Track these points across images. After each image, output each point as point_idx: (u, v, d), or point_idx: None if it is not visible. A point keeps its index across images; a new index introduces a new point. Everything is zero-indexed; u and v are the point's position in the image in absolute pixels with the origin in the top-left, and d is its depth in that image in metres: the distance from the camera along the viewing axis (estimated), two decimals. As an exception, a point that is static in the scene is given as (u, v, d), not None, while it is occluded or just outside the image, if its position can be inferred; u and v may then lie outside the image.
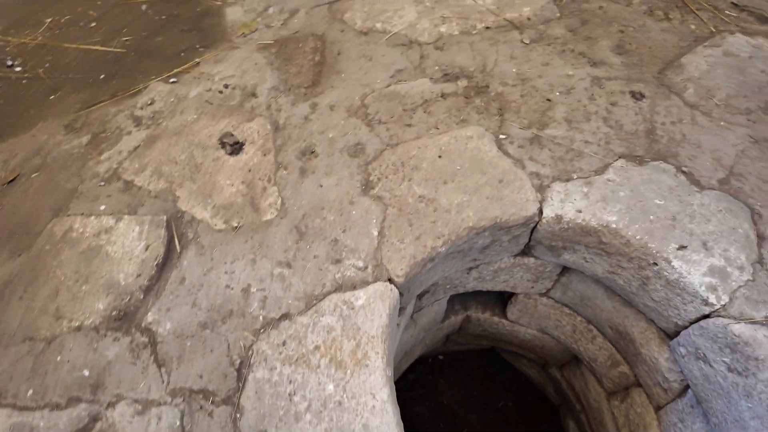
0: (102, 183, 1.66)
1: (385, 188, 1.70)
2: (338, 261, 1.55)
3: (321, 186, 1.73)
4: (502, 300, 2.80)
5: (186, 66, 2.08)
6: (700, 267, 1.51)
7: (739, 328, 1.41)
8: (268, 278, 1.52)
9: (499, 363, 3.76)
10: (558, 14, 2.29)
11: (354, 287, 1.50)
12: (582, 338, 2.40)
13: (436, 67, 2.10)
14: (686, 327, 1.61)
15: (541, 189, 1.69)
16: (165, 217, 1.58)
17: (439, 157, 1.78)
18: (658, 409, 1.99)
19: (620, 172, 1.73)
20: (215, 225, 1.62)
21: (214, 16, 2.33)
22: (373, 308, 1.45)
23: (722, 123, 1.90)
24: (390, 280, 1.53)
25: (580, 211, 1.64)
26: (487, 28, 2.24)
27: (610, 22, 2.26)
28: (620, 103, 1.95)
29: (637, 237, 1.58)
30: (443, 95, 2.00)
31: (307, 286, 1.50)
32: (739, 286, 1.47)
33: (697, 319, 1.54)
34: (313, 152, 1.83)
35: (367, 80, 2.06)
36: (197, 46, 2.20)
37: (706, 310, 1.49)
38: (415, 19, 2.26)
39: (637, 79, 2.05)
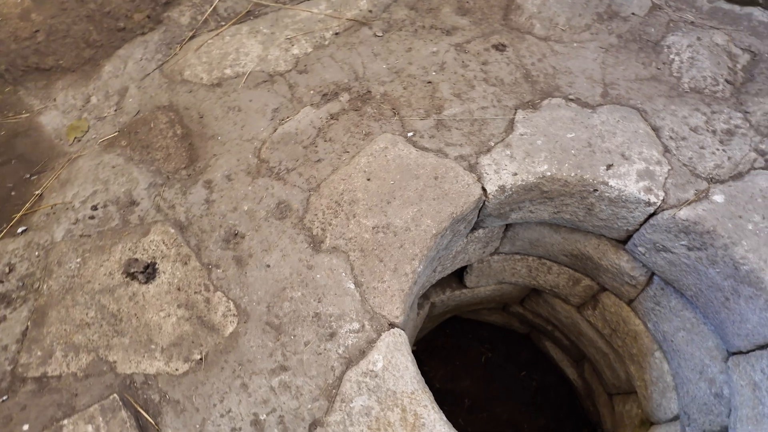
0: (4, 398, 1.26)
1: (335, 236, 1.57)
2: (332, 335, 1.40)
3: (268, 266, 1.53)
4: (456, 273, 2.86)
5: (27, 206, 1.66)
6: (630, 176, 1.66)
7: (683, 213, 1.59)
8: (272, 395, 1.31)
9: (464, 325, 3.88)
10: (392, -3, 2.29)
11: (363, 353, 1.37)
12: (539, 274, 2.55)
13: (311, 92, 1.97)
14: (637, 230, 1.78)
15: (472, 168, 1.70)
16: (115, 395, 1.27)
17: (368, 180, 1.68)
18: (630, 302, 2.21)
19: (526, 123, 1.81)
20: (176, 370, 1.35)
21: (28, 133, 1.88)
22: (396, 364, 1.35)
23: (575, 45, 2.09)
24: (392, 325, 1.43)
25: (515, 174, 1.69)
26: (337, 34, 2.15)
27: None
28: (490, 60, 2.03)
29: (572, 174, 1.68)
30: (333, 117, 1.88)
31: (317, 379, 1.33)
32: (666, 179, 1.66)
33: (646, 220, 1.71)
34: (237, 234, 1.61)
35: (249, 133, 1.85)
36: (27, 176, 1.77)
37: (651, 209, 1.66)
38: (261, 51, 2.08)
39: (490, 32, 2.15)
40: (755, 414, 1.52)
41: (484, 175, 1.69)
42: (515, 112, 1.85)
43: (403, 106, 1.90)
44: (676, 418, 2.07)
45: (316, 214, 1.63)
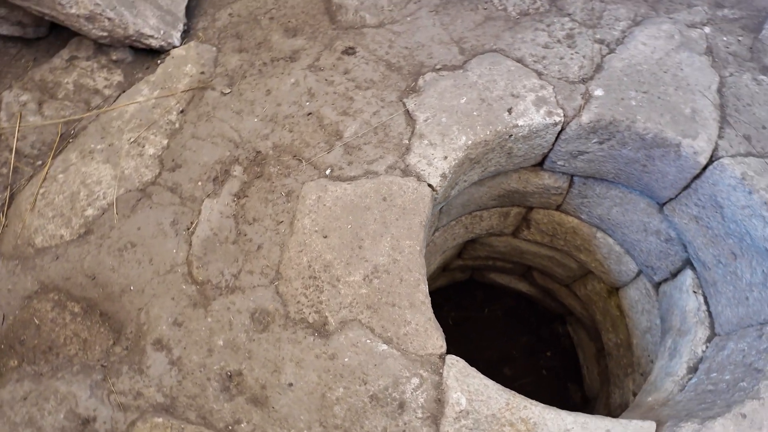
0: None
1: (333, 310, 1.42)
2: (401, 405, 1.29)
3: (290, 385, 1.34)
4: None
5: None
6: (530, 110, 1.79)
7: (585, 117, 1.78)
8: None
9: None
10: (215, 48, 2.07)
11: (441, 401, 1.30)
12: (474, 226, 2.68)
13: (199, 183, 1.71)
14: (551, 149, 1.95)
15: (407, 172, 1.68)
16: None
17: (325, 237, 1.55)
18: (558, 207, 2.45)
19: (421, 108, 1.82)
20: None
21: None
22: (476, 388, 1.30)
23: (409, 19, 2.15)
24: (442, 357, 1.37)
25: (445, 157, 1.70)
26: (182, 111, 1.89)
27: (254, 19, 2.17)
28: (349, 67, 1.99)
29: (487, 132, 1.76)
30: (240, 196, 1.67)
31: (420, 453, 1.23)
32: (555, 97, 1.83)
33: (557, 138, 1.89)
34: (231, 376, 1.36)
35: (163, 264, 1.55)
36: None
37: (558, 128, 1.82)
38: (113, 170, 1.73)
39: (330, 40, 2.09)
40: (708, 238, 1.83)
41: (421, 172, 1.67)
42: (404, 104, 1.86)
43: (302, 149, 1.77)
44: (638, 274, 2.41)
45: (298, 301, 1.45)
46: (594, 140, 1.85)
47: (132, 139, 1.79)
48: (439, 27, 2.10)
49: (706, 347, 1.77)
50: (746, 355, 1.50)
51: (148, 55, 2.03)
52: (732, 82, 1.85)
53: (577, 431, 1.25)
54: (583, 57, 1.94)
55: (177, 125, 1.84)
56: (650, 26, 2.02)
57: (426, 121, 1.79)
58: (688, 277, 2.00)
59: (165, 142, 1.79)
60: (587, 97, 1.82)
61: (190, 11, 2.17)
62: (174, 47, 2.01)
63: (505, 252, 3.23)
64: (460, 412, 1.27)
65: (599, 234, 2.46)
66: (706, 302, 1.88)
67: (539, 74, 1.89)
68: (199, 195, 1.69)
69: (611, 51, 1.95)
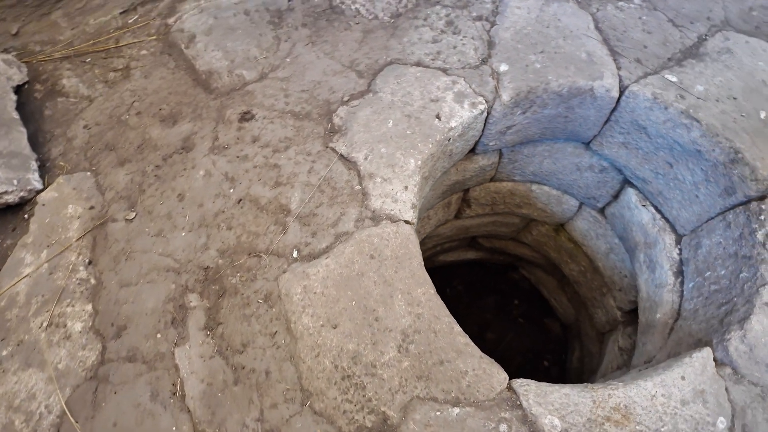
0: None
1: (389, 401, 1.28)
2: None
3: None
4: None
5: None
6: (455, 108, 1.77)
7: (505, 96, 1.80)
8: None
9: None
10: (90, 173, 1.71)
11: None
12: (421, 225, 2.65)
13: (157, 335, 1.42)
14: (481, 134, 1.96)
15: (378, 216, 1.56)
16: None
17: (335, 327, 1.38)
18: (492, 179, 2.51)
19: (353, 147, 1.70)
20: None
21: None
22: (557, 405, 1.27)
23: (289, 59, 1.98)
24: (510, 387, 1.31)
25: (406, 187, 1.61)
26: (90, 262, 1.53)
27: (119, 121, 1.83)
28: (256, 133, 1.77)
29: (429, 145, 1.70)
30: (213, 324, 1.42)
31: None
32: (470, 87, 1.82)
33: (485, 124, 1.89)
34: None
35: (168, 449, 1.26)
36: None
37: (485, 114, 1.83)
38: (40, 371, 1.35)
39: (216, 112, 1.84)
40: (641, 157, 1.99)
41: (391, 212, 1.56)
42: (334, 149, 1.71)
43: (254, 243, 1.55)
44: (580, 206, 2.58)
45: (344, 410, 1.28)
46: (518, 113, 1.89)
47: (45, 324, 1.41)
48: (325, 57, 1.96)
49: (679, 249, 1.95)
50: (726, 247, 1.67)
51: (9, 214, 1.61)
52: (601, 16, 2.01)
53: (660, 391, 1.28)
54: (473, 39, 1.95)
55: (93, 281, 1.50)
56: (511, -11, 2.10)
57: (367, 158, 1.67)
58: (631, 195, 2.18)
59: (89, 307, 1.45)
60: (496, 76, 1.85)
61: (35, 141, 1.76)
62: (38, 192, 1.62)
63: (451, 234, 3.26)
64: (560, 432, 1.23)
65: (534, 187, 2.57)
66: (659, 211, 2.06)
67: (444, 71, 1.87)
68: (166, 349, 1.40)
69: (493, 24, 2.00)
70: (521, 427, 1.25)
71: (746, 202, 1.65)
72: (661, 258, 2.03)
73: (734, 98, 1.76)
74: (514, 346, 3.93)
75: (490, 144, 2.04)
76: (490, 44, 1.93)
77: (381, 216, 1.56)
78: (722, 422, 1.27)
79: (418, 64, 1.90)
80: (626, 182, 2.20)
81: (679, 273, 1.93)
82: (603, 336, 3.05)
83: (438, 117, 1.75)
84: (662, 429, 1.24)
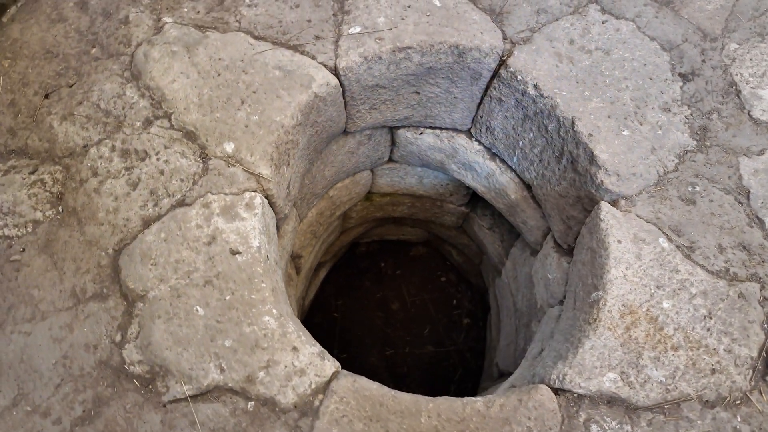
0: None
1: None
2: None
3: None
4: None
5: None
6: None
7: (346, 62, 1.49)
8: None
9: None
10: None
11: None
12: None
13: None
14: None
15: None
16: None
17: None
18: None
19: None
20: None
21: None
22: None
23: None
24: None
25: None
26: None
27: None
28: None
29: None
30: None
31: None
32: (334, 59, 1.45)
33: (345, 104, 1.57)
34: None
35: None
36: None
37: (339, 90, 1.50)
38: None
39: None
40: (391, 100, 1.94)
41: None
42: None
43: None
44: (372, 170, 2.52)
45: None
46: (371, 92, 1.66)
47: None
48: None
49: (478, 141, 2.06)
50: (514, 114, 1.79)
51: None
52: None
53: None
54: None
55: None
56: None
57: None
58: (403, 133, 2.18)
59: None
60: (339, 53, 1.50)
61: None
62: None
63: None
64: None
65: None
66: (435, 128, 2.11)
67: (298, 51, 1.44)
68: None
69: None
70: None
71: (495, 74, 1.75)
72: (469, 157, 2.12)
73: (409, 6, 1.78)
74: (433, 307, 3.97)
75: (359, 124, 1.73)
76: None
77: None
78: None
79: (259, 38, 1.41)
80: (392, 129, 2.18)
81: (494, 156, 2.06)
82: (480, 251, 3.27)
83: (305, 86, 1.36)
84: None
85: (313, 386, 1.22)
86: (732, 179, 1.51)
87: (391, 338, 3.80)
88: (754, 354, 1.24)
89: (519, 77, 1.67)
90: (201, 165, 1.50)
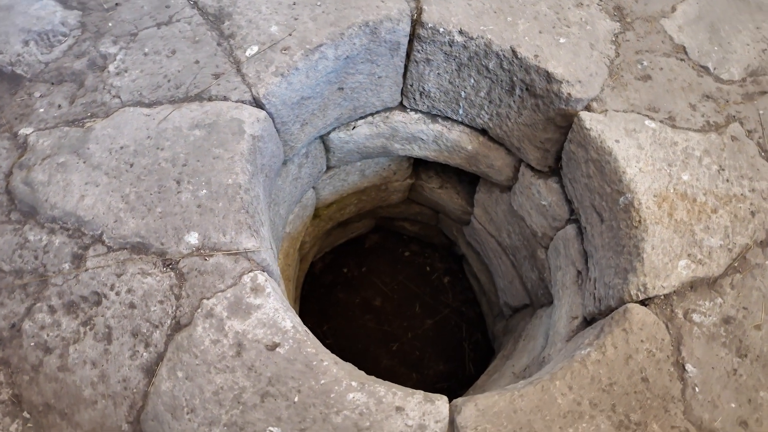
0: None
1: None
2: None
3: None
4: None
5: None
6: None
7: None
8: None
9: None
10: None
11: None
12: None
13: None
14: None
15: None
16: None
17: None
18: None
19: None
20: None
21: None
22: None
23: None
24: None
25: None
26: None
27: None
28: None
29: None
30: None
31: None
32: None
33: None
34: None
35: None
36: None
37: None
38: None
39: None
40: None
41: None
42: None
43: None
44: (313, 188, 2.32)
45: None
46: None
47: None
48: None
49: (414, 111, 1.96)
50: (446, 71, 1.71)
51: None
52: None
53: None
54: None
55: None
56: None
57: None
58: (336, 134, 2.00)
59: None
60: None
61: None
62: None
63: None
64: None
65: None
66: (367, 116, 1.96)
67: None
68: None
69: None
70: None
71: (413, 37, 1.64)
72: (411, 129, 2.02)
73: (294, 4, 1.58)
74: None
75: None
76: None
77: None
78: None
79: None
80: (322, 137, 1.99)
81: (436, 117, 1.97)
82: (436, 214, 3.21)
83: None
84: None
85: (440, 434, 1.08)
86: (665, 43, 1.59)
87: (389, 332, 3.70)
88: (769, 182, 1.33)
89: (441, 29, 1.58)
90: (172, 274, 1.22)
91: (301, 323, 1.25)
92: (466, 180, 2.71)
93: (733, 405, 1.11)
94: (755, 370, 1.14)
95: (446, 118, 1.97)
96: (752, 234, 1.27)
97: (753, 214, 1.29)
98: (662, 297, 1.24)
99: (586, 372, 1.14)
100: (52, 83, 1.45)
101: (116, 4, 1.58)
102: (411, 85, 1.84)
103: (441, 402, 1.12)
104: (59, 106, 1.40)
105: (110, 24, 1.54)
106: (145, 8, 1.59)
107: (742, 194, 1.31)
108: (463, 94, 1.78)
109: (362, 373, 1.20)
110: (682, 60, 1.56)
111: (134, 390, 1.12)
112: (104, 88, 1.43)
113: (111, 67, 1.46)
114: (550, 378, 1.14)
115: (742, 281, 1.23)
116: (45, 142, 1.33)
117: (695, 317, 1.20)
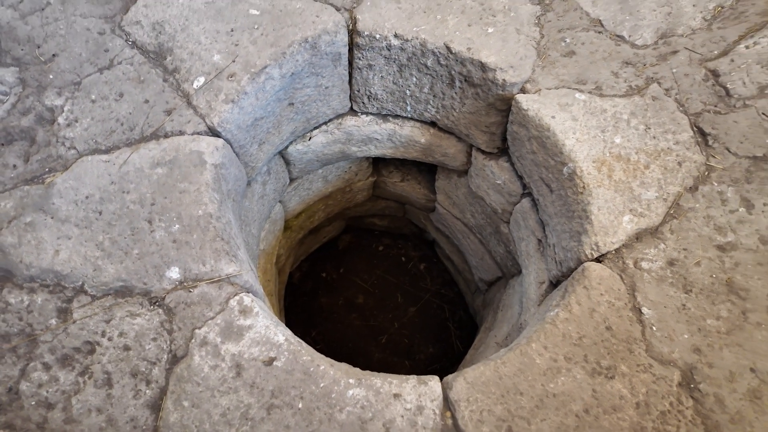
0: None
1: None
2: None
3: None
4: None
5: None
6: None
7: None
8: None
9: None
10: None
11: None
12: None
13: None
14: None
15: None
16: None
17: None
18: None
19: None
20: None
21: None
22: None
23: None
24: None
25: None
26: None
27: None
28: None
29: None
30: None
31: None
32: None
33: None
34: None
35: None
36: None
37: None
38: None
39: None
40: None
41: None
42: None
43: None
44: (280, 202, 2.37)
45: None
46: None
47: None
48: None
49: (365, 115, 2.03)
50: (389, 74, 1.79)
51: None
52: None
53: (566, 137, 1.48)
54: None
55: None
56: None
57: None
58: (294, 146, 2.06)
59: None
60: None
61: None
62: None
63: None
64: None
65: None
66: (321, 126, 2.03)
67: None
68: None
69: (80, 288, 1.27)
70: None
71: (351, 47, 1.71)
72: (364, 131, 2.09)
73: (231, 30, 1.62)
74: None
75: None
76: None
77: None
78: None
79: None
80: (281, 152, 2.04)
81: (387, 117, 2.06)
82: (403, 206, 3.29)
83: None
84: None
85: (437, 411, 1.18)
86: (583, 18, 1.72)
87: (376, 326, 3.79)
88: (690, 132, 1.48)
89: (377, 36, 1.65)
90: (160, 311, 1.26)
91: (293, 335, 1.32)
92: (426, 170, 2.81)
93: (686, 336, 1.25)
94: (701, 302, 1.29)
95: (396, 116, 2.05)
96: (681, 182, 1.42)
97: (680, 164, 1.44)
98: (613, 252, 1.37)
99: (557, 331, 1.26)
100: (2, 144, 1.45)
101: (53, 55, 1.58)
102: (358, 91, 1.91)
103: (433, 382, 1.22)
104: (14, 166, 1.40)
105: (51, 76, 1.54)
106: (83, 55, 1.59)
107: (668, 148, 1.46)
108: (408, 92, 1.87)
109: (357, 369, 1.28)
110: (600, 32, 1.69)
111: (143, 427, 1.16)
112: (57, 141, 1.44)
113: (60, 120, 1.47)
114: (526, 342, 1.26)
115: (679, 225, 1.38)
116: (7, 204, 1.34)
117: (644, 264, 1.34)
